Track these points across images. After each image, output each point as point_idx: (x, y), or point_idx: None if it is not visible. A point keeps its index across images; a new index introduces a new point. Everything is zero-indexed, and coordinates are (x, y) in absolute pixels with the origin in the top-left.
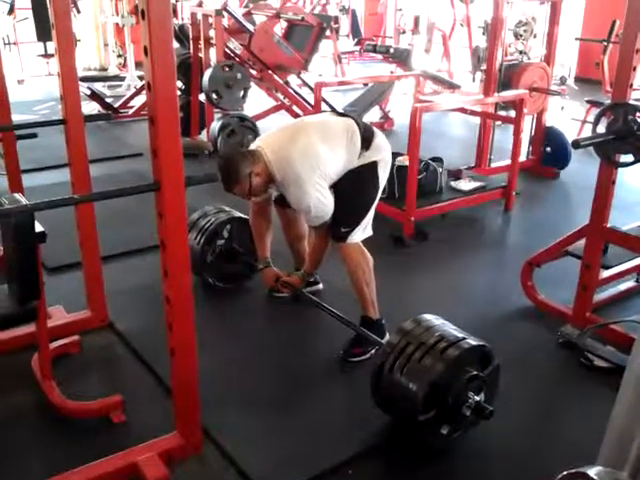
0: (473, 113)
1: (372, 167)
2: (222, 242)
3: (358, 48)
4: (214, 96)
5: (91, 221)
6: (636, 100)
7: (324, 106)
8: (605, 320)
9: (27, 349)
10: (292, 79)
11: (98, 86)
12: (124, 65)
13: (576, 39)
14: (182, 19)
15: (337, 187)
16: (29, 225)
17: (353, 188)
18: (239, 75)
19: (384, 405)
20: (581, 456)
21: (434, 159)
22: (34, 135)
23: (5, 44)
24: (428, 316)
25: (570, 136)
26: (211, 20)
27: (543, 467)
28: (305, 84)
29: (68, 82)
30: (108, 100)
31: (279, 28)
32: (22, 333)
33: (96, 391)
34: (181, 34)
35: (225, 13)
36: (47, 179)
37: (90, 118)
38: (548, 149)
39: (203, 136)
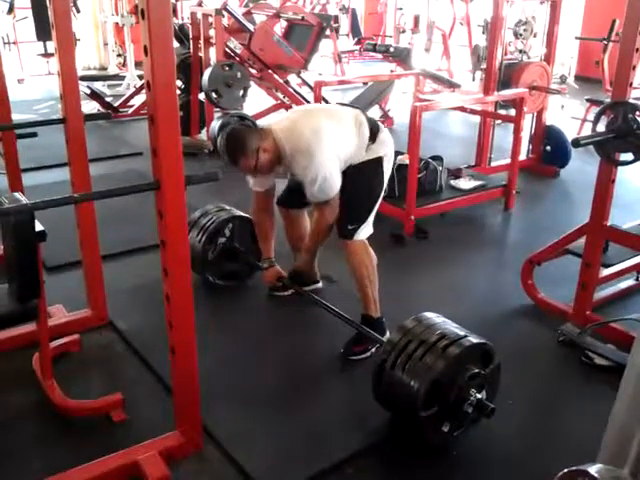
0: (473, 112)
1: (377, 162)
2: (223, 240)
3: (358, 47)
4: (214, 95)
5: (91, 220)
6: (636, 99)
7: None
8: (605, 318)
9: (27, 348)
10: (292, 78)
11: (98, 85)
12: (124, 64)
13: (576, 38)
14: (182, 18)
15: (343, 184)
16: (29, 224)
17: (359, 185)
18: (239, 74)
19: (385, 402)
20: (582, 454)
21: (434, 158)
22: (34, 134)
23: (5, 43)
24: (429, 314)
25: (570, 135)
26: (211, 19)
27: (543, 465)
28: (305, 83)
29: (68, 81)
30: (108, 99)
31: (279, 27)
32: (22, 332)
33: (96, 390)
34: (181, 33)
35: (225, 12)
36: (47, 178)
37: (90, 117)
38: (548, 148)
39: (203, 135)
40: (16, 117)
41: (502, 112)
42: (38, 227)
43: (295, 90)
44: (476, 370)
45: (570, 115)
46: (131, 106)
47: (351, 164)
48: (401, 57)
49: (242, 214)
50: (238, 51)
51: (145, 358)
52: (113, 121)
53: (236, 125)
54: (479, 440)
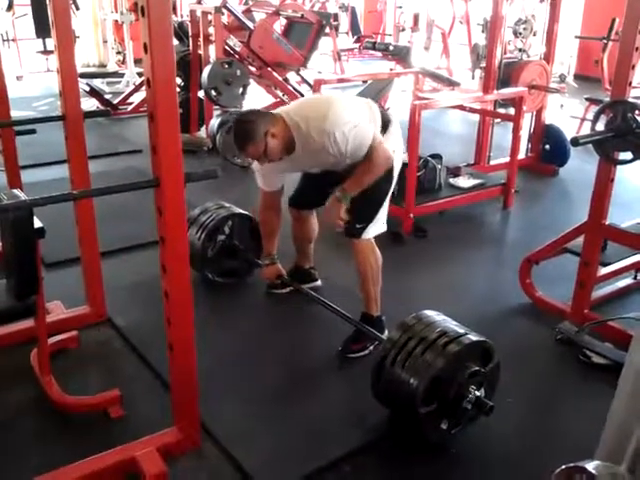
0: (472, 110)
1: None
2: (223, 238)
3: (357, 45)
4: (213, 93)
5: (90, 217)
6: (635, 98)
7: None
8: (603, 317)
9: (26, 344)
10: (291, 76)
11: (97, 82)
12: (123, 62)
13: (576, 37)
14: (181, 16)
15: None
16: (28, 221)
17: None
18: (238, 72)
19: (384, 399)
20: (579, 451)
21: (433, 156)
22: (33, 131)
23: (4, 40)
24: (429, 312)
25: (569, 134)
26: (210, 17)
27: (541, 462)
28: (304, 81)
29: (67, 78)
30: (107, 96)
31: (278, 25)
32: (21, 328)
33: (94, 386)
34: (180, 31)
35: (224, 10)
36: (46, 175)
37: (89, 114)
38: (547, 146)
39: (202, 133)
40: (15, 114)
41: (501, 111)
42: (37, 224)
43: (294, 88)
44: (476, 368)
45: (569, 114)
46: (130, 103)
47: (362, 158)
48: (400, 55)
49: (242, 212)
50: (237, 49)
51: (143, 355)
52: (112, 118)
53: (244, 111)
54: (477, 438)
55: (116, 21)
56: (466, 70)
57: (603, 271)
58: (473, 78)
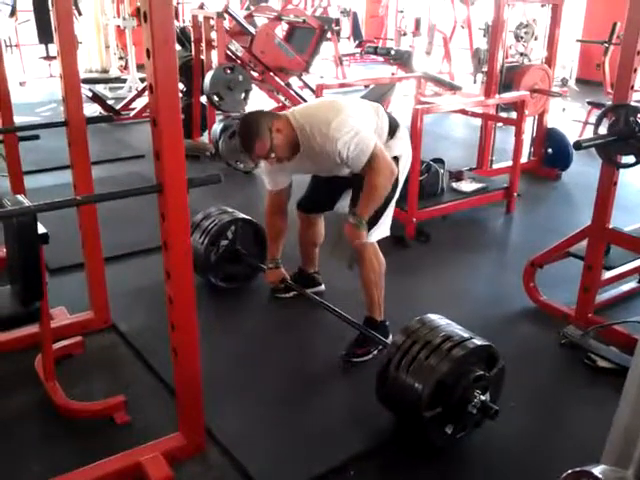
0: (474, 115)
1: (394, 162)
2: (226, 243)
3: (359, 50)
4: (215, 98)
5: (93, 222)
6: (637, 101)
7: None
8: (607, 321)
9: (30, 350)
10: (293, 81)
11: (100, 88)
12: (125, 67)
13: (577, 41)
14: (184, 21)
15: (355, 184)
16: (31, 226)
17: None
18: (240, 77)
19: (389, 403)
20: (585, 456)
21: (435, 160)
22: (36, 137)
23: (7, 46)
24: (433, 316)
25: (571, 137)
26: (212, 22)
27: (547, 466)
28: (306, 86)
29: (70, 84)
30: (110, 102)
31: (280, 30)
32: (25, 334)
33: (99, 392)
34: (183, 36)
35: (226, 15)
36: (49, 181)
37: (92, 120)
38: (549, 150)
39: (205, 138)
40: (18, 120)
41: (503, 115)
42: (41, 229)
43: (296, 93)
44: (480, 372)
45: (571, 118)
46: (133, 109)
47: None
48: (402, 60)
49: (245, 217)
50: (240, 54)
51: (148, 360)
52: (115, 124)
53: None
54: (482, 442)
55: (118, 26)
56: (468, 74)
57: (607, 275)
58: (475, 82)
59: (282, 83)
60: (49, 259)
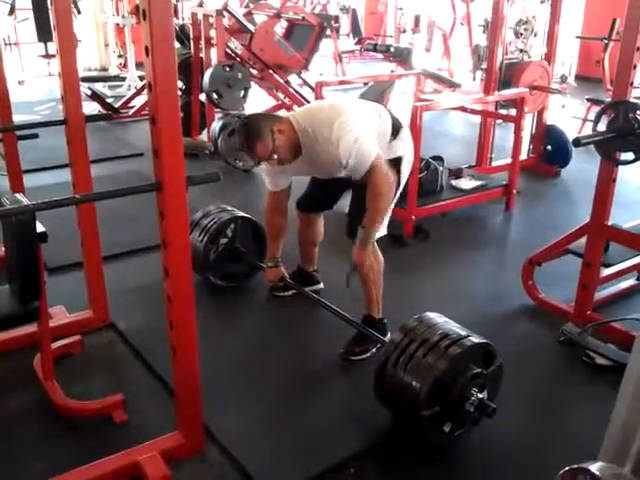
0: (473, 112)
1: (396, 163)
2: (225, 241)
3: (358, 47)
4: (215, 96)
5: (92, 221)
6: (636, 98)
7: None
8: (606, 318)
9: (29, 349)
10: (293, 78)
11: (99, 86)
12: (125, 65)
13: (577, 37)
14: (183, 19)
15: (356, 184)
16: (30, 225)
17: None
18: (240, 75)
19: (387, 401)
20: (583, 453)
21: (435, 158)
22: (35, 135)
23: (6, 45)
24: (431, 314)
25: (571, 134)
26: (212, 20)
27: (544, 464)
28: (306, 83)
29: (69, 82)
30: (109, 100)
31: (280, 28)
32: (24, 333)
33: (98, 391)
34: (182, 34)
35: (226, 13)
36: (48, 179)
37: (91, 118)
38: (549, 147)
39: (204, 136)
40: (17, 118)
41: (503, 112)
42: (39, 228)
43: (296, 90)
44: (478, 370)
45: (571, 115)
46: (132, 107)
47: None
48: (402, 57)
49: (244, 215)
50: (239, 51)
51: (146, 359)
52: (114, 122)
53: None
54: (480, 440)
55: (117, 24)
56: (467, 71)
57: (606, 272)
58: (474, 79)
59: (281, 81)
60: (48, 258)
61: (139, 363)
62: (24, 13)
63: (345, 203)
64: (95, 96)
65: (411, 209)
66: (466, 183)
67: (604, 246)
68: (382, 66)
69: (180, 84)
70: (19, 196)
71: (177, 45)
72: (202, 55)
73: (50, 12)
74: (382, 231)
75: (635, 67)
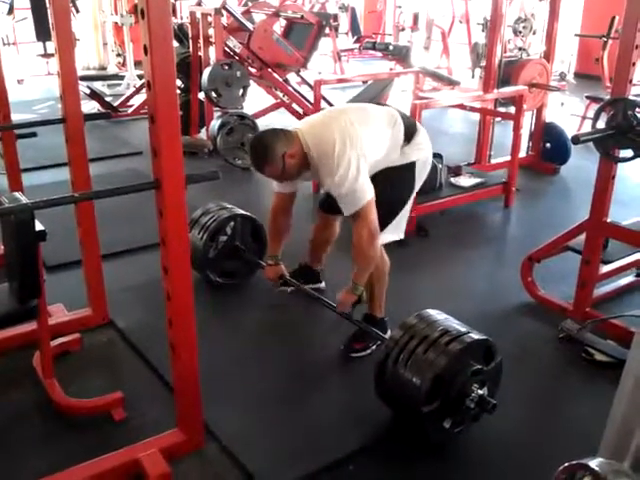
0: (472, 109)
1: (409, 169)
2: (224, 239)
3: (357, 45)
4: (213, 94)
5: (91, 219)
6: (635, 95)
7: (323, 104)
8: (605, 315)
9: (28, 347)
10: (291, 77)
11: (97, 85)
12: (123, 64)
13: (575, 35)
14: (181, 18)
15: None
16: (29, 224)
17: (384, 189)
18: (238, 73)
19: (387, 398)
20: (582, 449)
21: (434, 155)
22: (34, 134)
23: (5, 44)
24: (431, 311)
25: (570, 132)
26: (210, 19)
27: (544, 459)
28: (304, 82)
29: (68, 81)
30: (107, 99)
31: (278, 26)
32: (23, 331)
33: (97, 388)
34: (180, 33)
35: (224, 12)
36: (47, 178)
37: (89, 117)
38: (548, 145)
39: (203, 135)
40: (16, 117)
41: (502, 109)
42: (38, 227)
43: (295, 89)
44: (478, 366)
45: (570, 112)
46: (131, 106)
47: (382, 168)
48: (400, 55)
49: (243, 213)
50: (237, 50)
51: (146, 356)
52: (113, 121)
53: (261, 131)
54: (479, 436)
55: (116, 23)
56: (466, 69)
57: (605, 269)
58: (473, 77)
59: (280, 79)
60: (47, 256)
61: (138, 361)
62: (23, 12)
63: None
64: (94, 95)
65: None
66: (465, 181)
67: (603, 243)
68: (381, 64)
69: (179, 83)
70: (18, 195)
71: (176, 44)
72: (201, 54)
73: (49, 11)
74: (396, 235)
75: (634, 64)
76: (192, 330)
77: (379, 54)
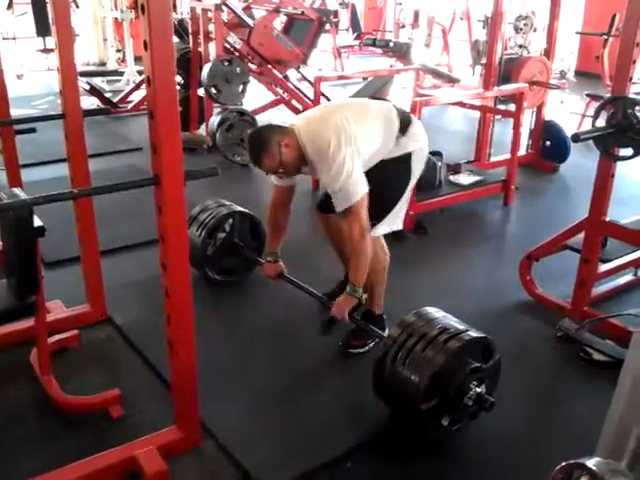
0: (472, 107)
1: (405, 160)
2: (223, 236)
3: (358, 42)
4: (213, 90)
5: (90, 215)
6: (636, 94)
7: (323, 101)
8: (603, 314)
9: (26, 344)
10: (291, 73)
11: (97, 81)
12: (123, 60)
13: (576, 33)
14: (181, 13)
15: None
16: (28, 219)
17: (381, 180)
18: (238, 69)
19: (386, 396)
20: (580, 448)
21: (433, 153)
22: (33, 130)
23: (4, 39)
24: (430, 309)
25: (569, 130)
26: (210, 14)
27: (541, 459)
28: (304, 78)
29: (67, 77)
30: (107, 95)
31: (278, 22)
32: (21, 327)
33: (95, 385)
34: (180, 28)
35: (224, 7)
36: (46, 174)
37: (89, 113)
38: (547, 143)
39: (202, 130)
40: (15, 112)
41: (502, 107)
42: (37, 222)
43: (294, 85)
44: (476, 364)
45: (570, 110)
46: (130, 102)
47: (379, 159)
48: (401, 52)
49: (242, 210)
50: (237, 46)
51: (144, 353)
52: (112, 117)
53: (258, 127)
54: (477, 434)
55: (116, 19)
56: (466, 66)
57: (603, 268)
58: (473, 74)
59: (280, 75)
60: (45, 252)
61: (136, 358)
62: (23, 7)
63: None
64: (93, 90)
65: (410, 204)
66: (465, 178)
67: (602, 242)
68: (381, 61)
69: (179, 79)
70: (17, 190)
71: (176, 40)
72: (201, 50)
73: (48, 6)
74: (394, 226)
75: (634, 63)
76: (190, 327)
77: (379, 51)
